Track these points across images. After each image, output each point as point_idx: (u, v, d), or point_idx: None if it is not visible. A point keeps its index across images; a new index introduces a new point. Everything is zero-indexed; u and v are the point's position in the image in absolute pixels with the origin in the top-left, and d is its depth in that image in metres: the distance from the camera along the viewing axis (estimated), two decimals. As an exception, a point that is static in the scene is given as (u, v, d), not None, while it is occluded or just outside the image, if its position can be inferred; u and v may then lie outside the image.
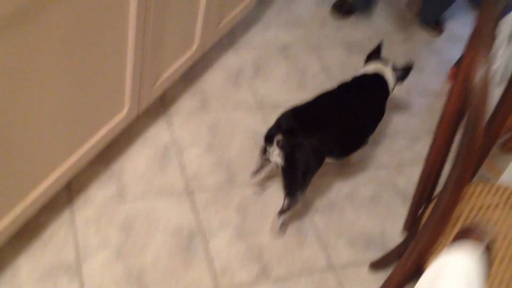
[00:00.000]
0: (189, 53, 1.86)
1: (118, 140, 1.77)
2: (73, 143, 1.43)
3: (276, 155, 1.53)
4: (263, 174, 1.75)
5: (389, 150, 2.06)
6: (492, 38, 0.87)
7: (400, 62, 2.10)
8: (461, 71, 0.92)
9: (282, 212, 1.63)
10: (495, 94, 2.01)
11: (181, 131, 1.88)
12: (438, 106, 2.28)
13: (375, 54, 1.91)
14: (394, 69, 1.85)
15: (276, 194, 1.79)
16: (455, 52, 2.53)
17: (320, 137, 1.55)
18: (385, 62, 1.86)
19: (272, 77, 2.20)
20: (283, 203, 1.61)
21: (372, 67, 1.84)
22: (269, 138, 1.56)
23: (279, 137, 1.52)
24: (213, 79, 2.11)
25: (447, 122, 1.03)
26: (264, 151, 1.61)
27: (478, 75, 0.84)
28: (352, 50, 2.42)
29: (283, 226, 1.70)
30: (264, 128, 1.94)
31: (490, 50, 0.86)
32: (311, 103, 1.65)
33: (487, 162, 1.95)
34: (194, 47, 1.87)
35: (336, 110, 1.65)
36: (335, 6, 2.58)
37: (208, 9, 1.81)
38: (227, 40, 2.26)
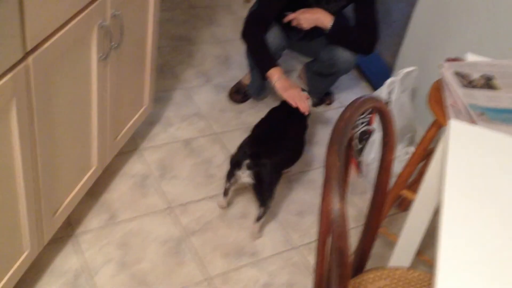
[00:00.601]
0: (88, 173, 1.89)
1: (25, 277, 1.73)
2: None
3: (246, 176, 1.96)
4: (229, 196, 2.14)
5: (298, 229, 2.14)
6: (344, 179, 0.96)
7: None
8: (323, 206, 1.02)
9: (259, 218, 2.04)
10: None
11: (90, 253, 1.89)
12: (340, 176, 2.40)
13: None
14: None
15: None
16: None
17: (276, 155, 2.00)
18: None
19: (179, 175, 2.25)
20: (259, 211, 2.03)
21: None
22: (238, 164, 1.96)
23: (247, 161, 1.93)
24: (119, 188, 2.14)
25: (323, 238, 1.11)
26: (231, 175, 2.00)
27: (335, 210, 0.93)
28: (253, 133, 2.51)
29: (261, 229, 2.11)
30: (176, 230, 1.99)
31: (343, 189, 0.95)
32: (259, 130, 2.14)
33: (384, 229, 2.07)
34: (93, 167, 1.91)
35: (278, 131, 2.11)
36: (231, 93, 2.69)
37: (101, 127, 1.86)
38: (130, 144, 2.30)
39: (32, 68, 1.37)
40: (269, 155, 1.96)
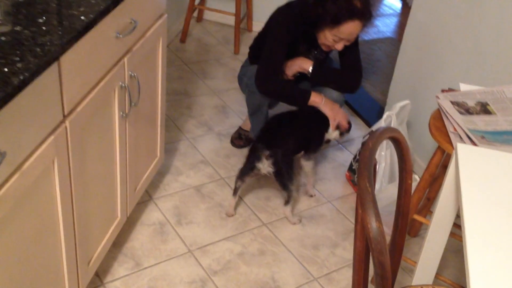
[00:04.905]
0: (114, 224, 1.99)
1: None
2: None
3: (267, 166, 2.28)
4: (237, 197, 2.42)
5: (315, 262, 2.25)
6: (374, 196, 1.09)
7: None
8: (359, 223, 1.14)
9: (286, 203, 2.37)
10: (389, 190, 2.28)
11: (123, 300, 1.97)
12: (346, 208, 2.53)
13: None
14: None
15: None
16: (345, 157, 2.84)
17: (285, 144, 2.33)
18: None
19: (194, 220, 2.36)
20: (285, 196, 2.36)
21: None
22: (255, 155, 2.30)
23: (266, 152, 2.26)
24: (140, 237, 2.23)
25: (360, 256, 1.23)
26: (248, 171, 2.33)
27: (373, 228, 1.05)
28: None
29: (294, 214, 2.44)
30: (199, 272, 2.07)
31: (376, 205, 1.08)
32: (274, 125, 2.47)
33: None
34: (118, 218, 2.01)
35: (289, 126, 2.43)
36: (233, 139, 2.82)
37: (123, 180, 1.97)
38: (144, 195, 2.41)
39: (69, 129, 1.49)
40: (279, 144, 2.30)
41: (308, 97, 2.42)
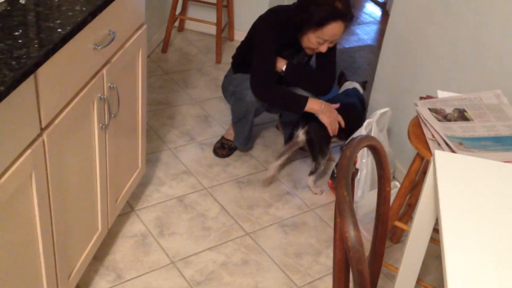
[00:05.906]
0: (95, 236, 1.97)
1: None
2: None
3: (301, 134, 2.53)
4: (280, 161, 2.62)
5: (298, 270, 2.24)
6: (352, 204, 1.09)
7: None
8: (338, 232, 1.14)
9: (311, 173, 2.61)
10: (371, 198, 2.29)
11: (105, 314, 1.95)
12: (329, 216, 2.53)
13: (343, 78, 2.92)
14: (359, 83, 2.85)
15: None
16: (328, 164, 2.84)
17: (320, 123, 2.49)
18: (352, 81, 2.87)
19: (177, 230, 2.34)
20: (312, 167, 2.60)
21: (349, 84, 2.85)
22: (296, 126, 2.55)
23: (303, 123, 2.51)
24: (121, 249, 2.22)
25: (340, 265, 1.23)
26: (289, 139, 2.58)
27: (351, 237, 1.05)
28: (241, 184, 2.64)
29: (317, 184, 2.67)
30: (182, 284, 2.06)
31: (354, 213, 1.08)
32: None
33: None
34: (98, 230, 1.99)
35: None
36: (216, 149, 2.82)
37: (104, 192, 1.96)
38: (125, 207, 2.39)
39: (47, 143, 1.48)
40: (314, 121, 2.49)
41: (304, 103, 2.45)
